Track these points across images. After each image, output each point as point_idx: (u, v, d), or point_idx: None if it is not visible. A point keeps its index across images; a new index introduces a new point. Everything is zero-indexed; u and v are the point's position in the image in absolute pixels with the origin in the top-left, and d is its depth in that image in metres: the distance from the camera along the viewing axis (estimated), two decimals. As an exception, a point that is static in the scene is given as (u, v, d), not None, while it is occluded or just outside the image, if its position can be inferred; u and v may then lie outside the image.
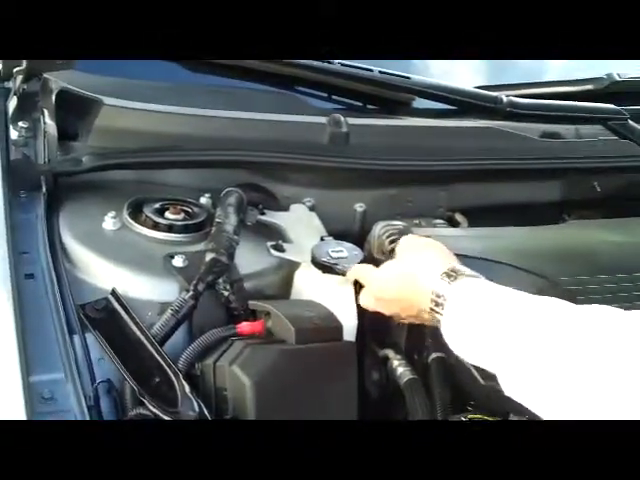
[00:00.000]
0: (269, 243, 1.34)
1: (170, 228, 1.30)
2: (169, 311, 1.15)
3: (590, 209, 1.71)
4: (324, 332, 1.16)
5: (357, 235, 1.47)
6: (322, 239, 1.39)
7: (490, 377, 1.18)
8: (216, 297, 1.21)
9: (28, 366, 0.96)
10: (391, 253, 1.27)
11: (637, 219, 1.57)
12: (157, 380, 1.06)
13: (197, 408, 1.03)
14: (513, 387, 0.91)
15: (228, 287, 1.21)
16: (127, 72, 1.48)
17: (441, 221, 1.56)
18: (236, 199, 1.36)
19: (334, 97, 1.68)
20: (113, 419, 1.00)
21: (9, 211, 1.23)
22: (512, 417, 1.17)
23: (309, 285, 1.30)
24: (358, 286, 1.25)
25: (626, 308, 0.87)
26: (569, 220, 1.67)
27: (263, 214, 1.44)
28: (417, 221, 1.51)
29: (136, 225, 1.30)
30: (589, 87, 1.84)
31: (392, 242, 1.30)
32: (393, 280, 1.15)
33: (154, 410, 1.01)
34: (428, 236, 1.24)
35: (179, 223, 1.31)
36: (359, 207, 1.56)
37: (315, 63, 1.51)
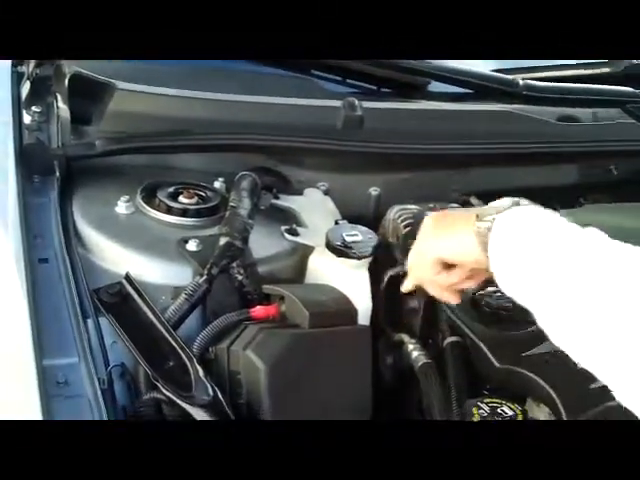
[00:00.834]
0: (283, 227, 1.34)
1: (184, 212, 1.30)
2: (183, 295, 1.14)
3: (606, 193, 1.70)
4: (338, 316, 1.16)
5: (371, 219, 1.47)
6: (336, 223, 1.38)
7: (506, 360, 1.19)
8: (230, 281, 1.21)
9: (42, 350, 0.96)
10: (406, 237, 1.26)
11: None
12: (171, 364, 1.06)
13: (211, 392, 1.03)
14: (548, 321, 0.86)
15: (242, 271, 1.21)
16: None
17: (456, 205, 1.54)
18: (250, 183, 1.35)
19: (348, 81, 1.67)
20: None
21: (23, 195, 1.23)
22: (529, 401, 1.17)
23: (323, 269, 1.30)
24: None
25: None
26: (585, 204, 1.66)
27: (277, 198, 1.44)
28: (432, 205, 1.49)
29: (150, 209, 1.29)
30: (606, 70, 1.83)
31: (407, 226, 1.29)
32: (436, 222, 1.06)
33: (168, 394, 1.01)
34: None
35: (193, 207, 1.31)
36: (373, 191, 1.55)
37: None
